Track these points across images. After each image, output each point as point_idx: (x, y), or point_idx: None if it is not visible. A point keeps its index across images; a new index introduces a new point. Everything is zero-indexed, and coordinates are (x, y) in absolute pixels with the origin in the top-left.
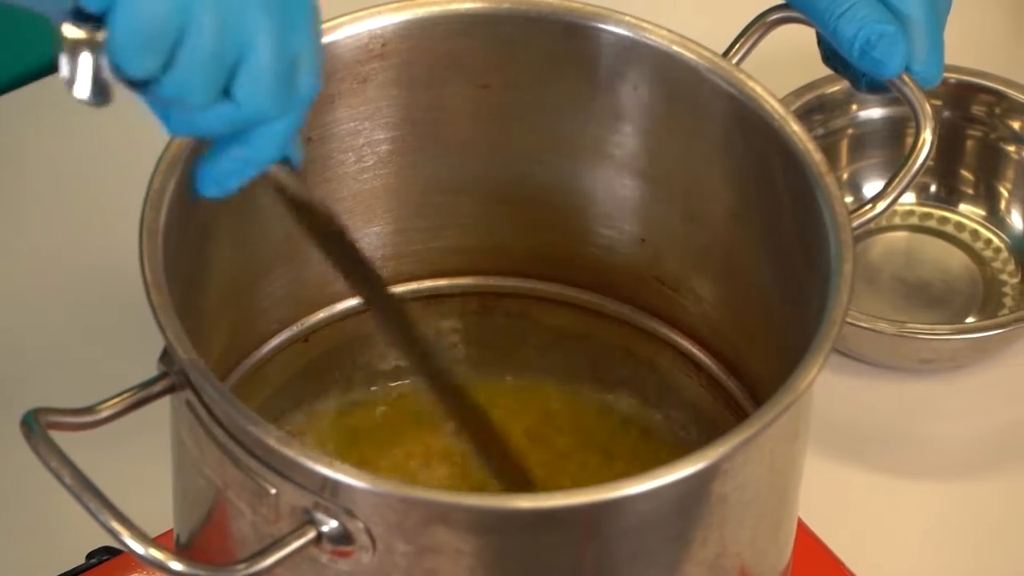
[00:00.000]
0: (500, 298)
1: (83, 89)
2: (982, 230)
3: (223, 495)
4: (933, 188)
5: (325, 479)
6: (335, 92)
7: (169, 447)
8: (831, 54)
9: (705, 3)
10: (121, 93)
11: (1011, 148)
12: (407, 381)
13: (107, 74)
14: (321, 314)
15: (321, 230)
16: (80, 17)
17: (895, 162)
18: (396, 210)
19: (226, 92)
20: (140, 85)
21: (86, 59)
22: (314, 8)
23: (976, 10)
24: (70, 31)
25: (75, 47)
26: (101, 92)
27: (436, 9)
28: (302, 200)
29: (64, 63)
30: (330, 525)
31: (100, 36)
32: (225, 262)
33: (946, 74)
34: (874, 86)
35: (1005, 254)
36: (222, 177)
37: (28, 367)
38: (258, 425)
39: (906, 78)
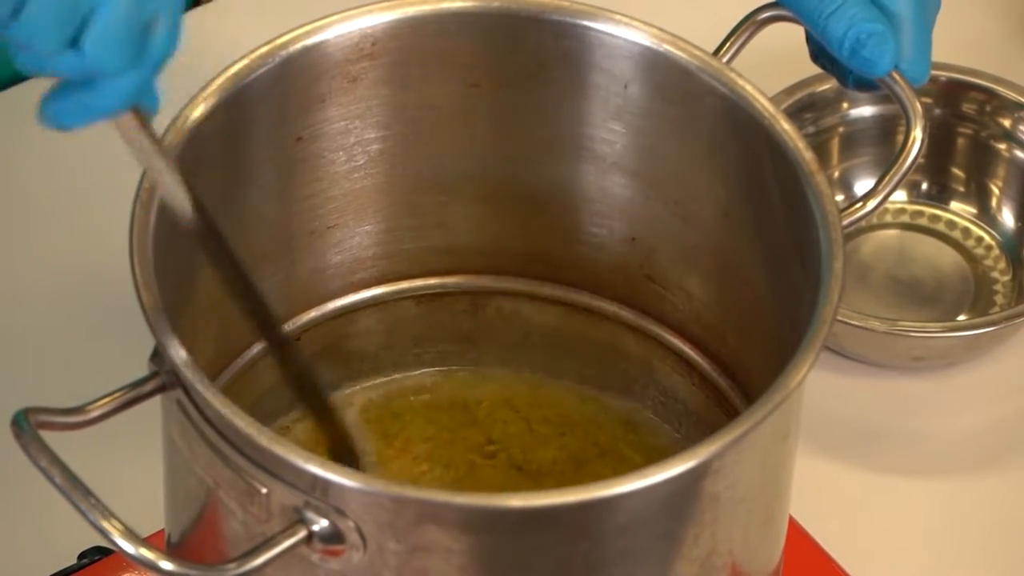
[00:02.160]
0: (491, 297)
1: None
2: (973, 228)
3: (214, 494)
4: (924, 186)
5: (315, 478)
6: (325, 91)
7: (160, 447)
8: (819, 51)
9: (695, 2)
10: None
11: (1002, 146)
12: (398, 378)
13: None
14: (312, 313)
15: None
16: None
17: (886, 160)
18: (386, 209)
19: (76, 41)
20: None
21: None
22: None
23: (967, 8)
24: None
25: None
26: None
27: (426, 8)
28: (155, 153)
29: None
30: (321, 524)
31: None
32: None
33: (937, 72)
34: (861, 83)
35: (996, 252)
36: (62, 115)
37: (18, 366)
38: (248, 424)
39: (896, 76)
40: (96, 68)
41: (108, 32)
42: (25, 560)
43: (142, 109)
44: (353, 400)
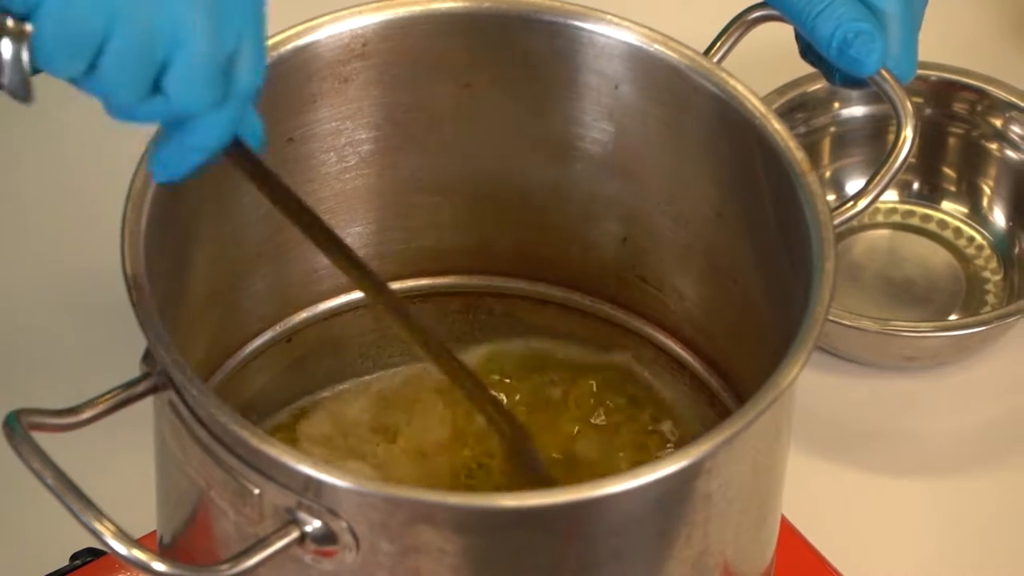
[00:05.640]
0: (483, 297)
1: (5, 79)
2: (965, 227)
3: (206, 495)
4: (916, 186)
5: (308, 479)
6: (316, 92)
7: (152, 448)
8: (808, 48)
9: (686, 2)
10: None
11: (993, 146)
12: (390, 377)
13: (27, 68)
14: (304, 314)
15: (293, 209)
16: (5, 8)
17: (877, 160)
18: (378, 210)
19: (159, 85)
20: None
21: (7, 47)
22: (258, 3)
23: (958, 8)
24: None
25: None
26: (23, 85)
27: (417, 9)
28: (264, 177)
29: None
30: (313, 525)
31: (27, 28)
32: (207, 262)
33: (928, 72)
34: (848, 80)
35: (987, 251)
36: (169, 162)
37: (10, 368)
38: (240, 425)
39: (887, 75)
40: (184, 110)
41: (190, 73)
42: (17, 561)
43: (244, 140)
44: (346, 400)
